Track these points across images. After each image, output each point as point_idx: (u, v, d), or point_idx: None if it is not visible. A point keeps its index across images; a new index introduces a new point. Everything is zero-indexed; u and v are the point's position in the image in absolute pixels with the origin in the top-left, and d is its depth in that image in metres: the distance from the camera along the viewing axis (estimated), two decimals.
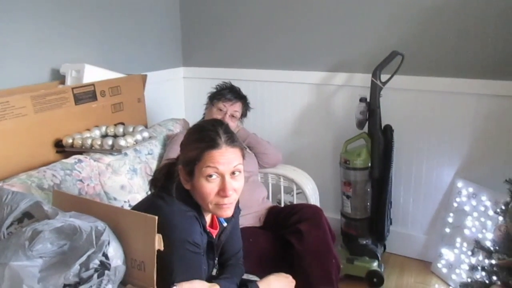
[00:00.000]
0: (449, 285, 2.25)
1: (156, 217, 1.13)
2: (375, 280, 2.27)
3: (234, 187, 1.22)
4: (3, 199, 1.08)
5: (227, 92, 2.12)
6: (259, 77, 2.73)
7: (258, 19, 2.68)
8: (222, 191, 1.20)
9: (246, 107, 2.18)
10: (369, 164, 2.23)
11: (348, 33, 2.44)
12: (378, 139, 2.20)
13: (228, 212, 1.25)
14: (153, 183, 1.34)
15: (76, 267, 1.03)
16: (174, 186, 1.24)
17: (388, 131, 2.21)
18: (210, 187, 1.20)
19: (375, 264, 2.29)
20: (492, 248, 1.64)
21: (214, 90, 2.19)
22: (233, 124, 2.11)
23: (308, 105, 2.65)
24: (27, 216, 1.12)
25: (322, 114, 2.62)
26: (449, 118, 2.29)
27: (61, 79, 2.13)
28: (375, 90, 2.16)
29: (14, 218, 1.05)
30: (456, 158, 2.31)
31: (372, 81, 2.16)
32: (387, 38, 2.33)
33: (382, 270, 2.32)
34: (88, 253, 1.06)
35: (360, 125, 2.23)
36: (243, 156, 1.27)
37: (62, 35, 2.16)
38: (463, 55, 2.19)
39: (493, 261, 1.57)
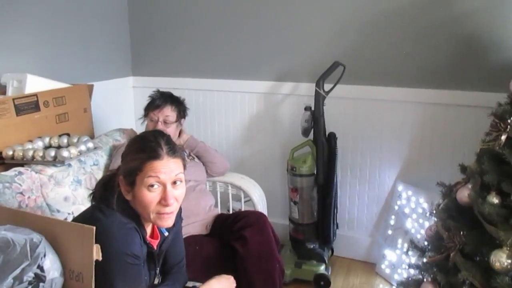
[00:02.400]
0: (392, 285, 2.35)
1: (94, 228, 1.14)
2: (322, 283, 2.33)
3: (175, 196, 1.25)
4: None
5: (155, 100, 2.13)
6: (208, 87, 2.77)
7: (206, 29, 2.72)
8: (163, 200, 1.22)
9: (179, 108, 2.15)
10: (315, 171, 2.31)
11: (294, 44, 2.53)
12: (323, 146, 2.28)
13: (169, 222, 1.27)
14: (93, 195, 1.34)
15: (9, 280, 1.02)
16: (115, 198, 1.24)
17: (332, 138, 2.30)
18: (151, 196, 1.22)
19: (322, 268, 2.36)
20: (424, 247, 1.74)
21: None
22: (170, 130, 2.08)
23: (256, 114, 2.71)
24: None
25: (269, 122, 2.68)
26: (389, 125, 2.41)
27: (2, 89, 2.08)
28: (319, 99, 2.25)
29: None
30: (397, 162, 2.44)
31: (316, 90, 2.24)
32: (330, 49, 2.43)
33: (329, 273, 2.39)
34: (22, 266, 1.05)
35: (305, 133, 2.31)
36: (184, 166, 1.29)
37: (2, 43, 2.11)
38: (400, 66, 2.32)
39: (425, 259, 1.67)
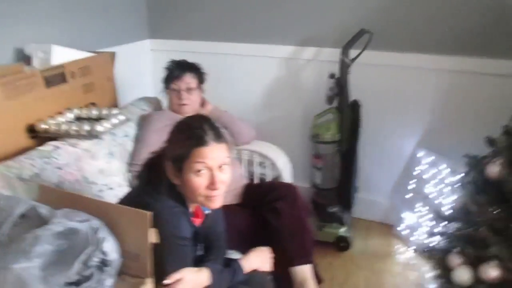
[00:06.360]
0: (409, 246, 2.46)
1: (148, 213, 1.19)
2: (342, 244, 2.44)
3: (222, 179, 1.29)
4: None
5: (173, 71, 2.14)
6: (228, 51, 2.73)
7: None
8: (211, 184, 1.27)
9: (198, 74, 2.19)
10: (338, 138, 2.34)
11: (317, 8, 2.47)
12: (347, 114, 2.30)
13: (217, 203, 1.32)
14: (139, 177, 1.38)
15: (77, 265, 1.08)
16: (163, 183, 1.29)
17: (356, 106, 2.31)
18: (199, 181, 1.26)
19: (342, 230, 2.45)
20: (449, 216, 1.80)
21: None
22: (194, 97, 2.14)
23: (277, 79, 2.70)
24: (22, 217, 1.15)
25: (291, 88, 2.68)
26: (412, 92, 2.41)
27: (26, 59, 2.06)
28: (344, 67, 2.23)
29: (11, 223, 1.08)
30: (418, 130, 2.46)
31: (341, 59, 2.22)
32: (355, 13, 2.38)
33: (350, 234, 2.49)
34: (87, 251, 1.11)
35: (329, 101, 2.31)
36: (229, 149, 1.32)
37: (23, 13, 2.07)
38: (426, 32, 2.29)
39: (451, 230, 1.74)
